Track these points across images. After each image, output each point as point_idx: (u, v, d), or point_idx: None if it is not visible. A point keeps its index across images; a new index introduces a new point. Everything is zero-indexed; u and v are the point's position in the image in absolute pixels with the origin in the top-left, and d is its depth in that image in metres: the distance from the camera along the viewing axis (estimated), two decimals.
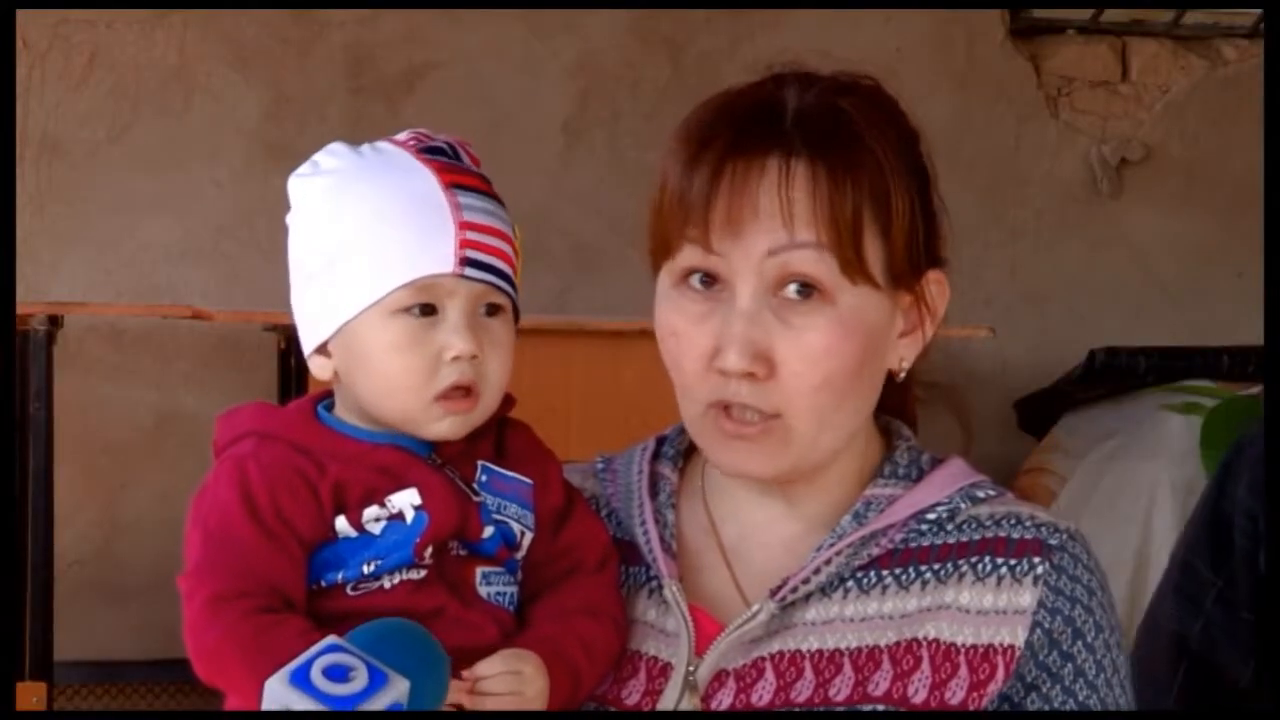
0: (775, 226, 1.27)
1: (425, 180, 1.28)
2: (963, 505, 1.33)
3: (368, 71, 4.07)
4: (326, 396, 1.33)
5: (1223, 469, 1.72)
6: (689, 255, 1.29)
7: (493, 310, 1.29)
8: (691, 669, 1.29)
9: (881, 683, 1.27)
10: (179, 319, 3.76)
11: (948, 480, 1.34)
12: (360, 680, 1.12)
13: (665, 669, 1.30)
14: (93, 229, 3.98)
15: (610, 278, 4.03)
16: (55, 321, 3.27)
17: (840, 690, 1.27)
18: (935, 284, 1.38)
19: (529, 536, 1.30)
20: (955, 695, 1.26)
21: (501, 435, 1.32)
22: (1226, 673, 1.67)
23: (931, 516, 1.32)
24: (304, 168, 1.33)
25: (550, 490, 1.32)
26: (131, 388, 3.98)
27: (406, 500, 1.25)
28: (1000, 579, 1.29)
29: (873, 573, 1.30)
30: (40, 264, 3.94)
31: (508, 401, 1.33)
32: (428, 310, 1.27)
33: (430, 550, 1.26)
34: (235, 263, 3.98)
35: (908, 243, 1.32)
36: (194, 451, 4.12)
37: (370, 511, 1.25)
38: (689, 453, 1.39)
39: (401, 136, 1.32)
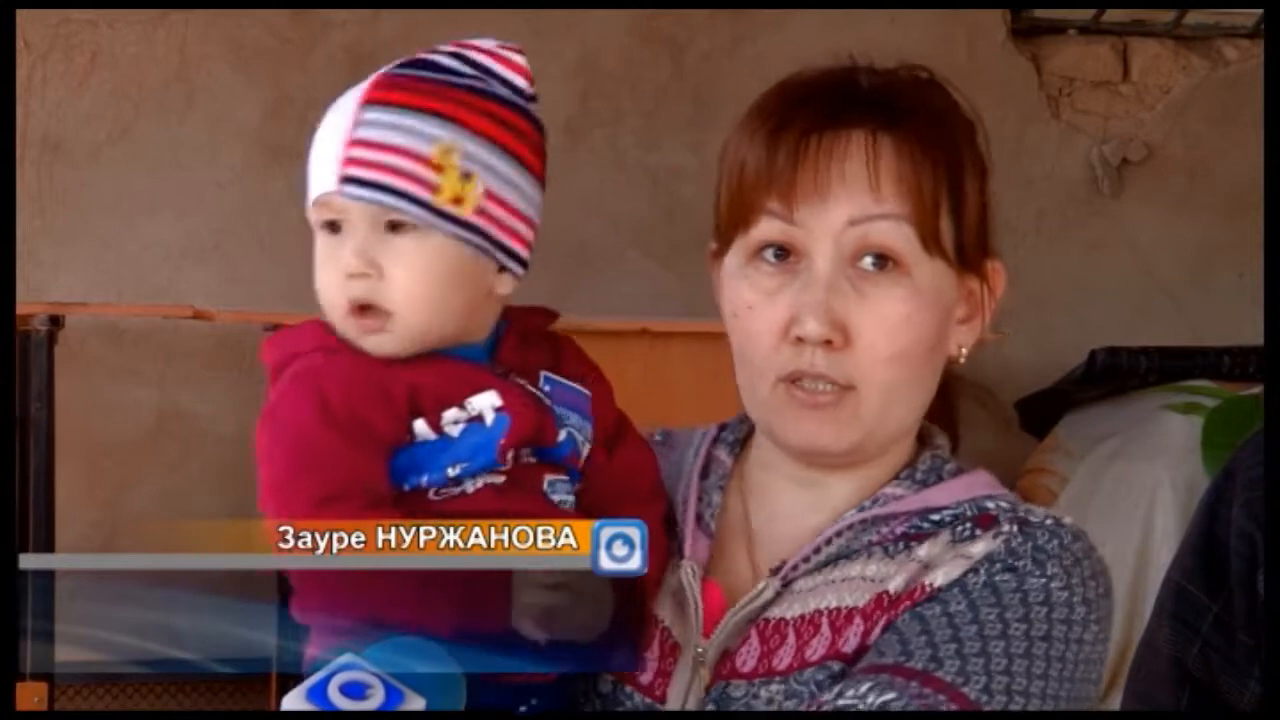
0: (858, 196, 1.28)
1: (351, 97, 1.29)
2: (969, 511, 1.33)
3: (369, 72, 4.06)
4: None
5: (1213, 493, 1.72)
6: (767, 228, 1.30)
7: (395, 227, 1.27)
8: (700, 650, 1.30)
9: (851, 640, 1.27)
10: (180, 319, 3.77)
11: (964, 488, 1.34)
12: (377, 697, 1.14)
13: (675, 648, 1.31)
14: (94, 229, 3.98)
15: (611, 278, 4.03)
16: (56, 321, 3.27)
17: (816, 650, 1.28)
18: (995, 273, 1.40)
19: (588, 448, 1.30)
20: (873, 635, 1.25)
21: (555, 347, 1.33)
22: (1226, 697, 1.67)
23: (935, 517, 1.33)
24: None
25: (605, 404, 1.33)
26: (132, 388, 3.98)
27: (487, 402, 1.25)
28: (971, 537, 1.29)
29: (867, 550, 1.32)
30: (41, 264, 3.94)
31: (550, 315, 1.35)
32: (334, 227, 1.27)
33: (511, 454, 1.25)
34: (236, 263, 3.98)
35: (977, 224, 1.34)
36: (195, 452, 4.13)
37: (450, 414, 1.25)
38: (745, 442, 1.40)
39: (446, 46, 1.36)
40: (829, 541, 1.32)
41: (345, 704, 1.12)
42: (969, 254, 1.34)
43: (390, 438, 1.24)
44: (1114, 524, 3.81)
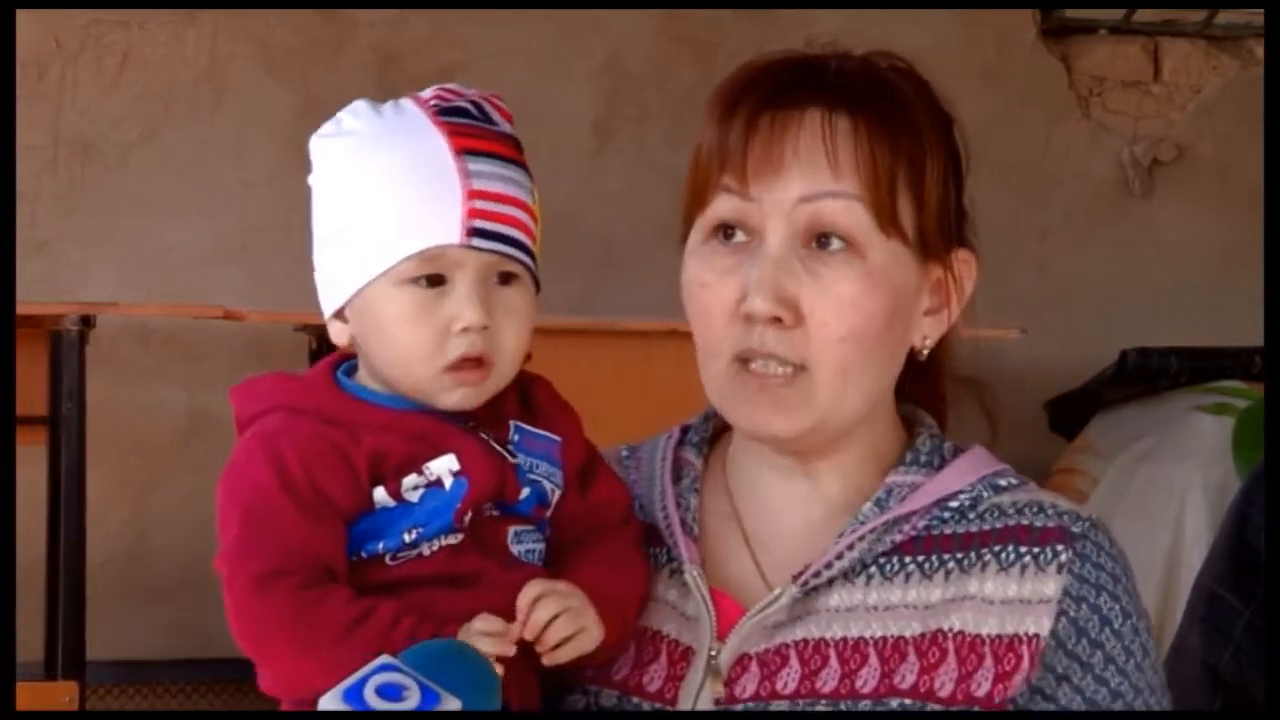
0: (811, 172, 1.28)
1: (436, 145, 1.26)
2: (985, 494, 1.32)
3: (397, 72, 4.08)
4: (343, 360, 1.32)
5: (1244, 496, 1.71)
6: (722, 205, 1.29)
7: (506, 279, 1.27)
8: (714, 653, 1.28)
9: (908, 675, 1.26)
10: (210, 319, 3.77)
11: (970, 468, 1.33)
12: (413, 699, 1.13)
13: (687, 652, 1.29)
14: (124, 229, 3.99)
15: (639, 278, 4.02)
16: (87, 322, 3.28)
17: (867, 682, 1.26)
18: (964, 263, 1.39)
19: (558, 494, 1.29)
20: (981, 687, 1.26)
21: (525, 390, 1.31)
22: (1257, 700, 1.66)
23: (954, 504, 1.31)
24: (327, 126, 1.33)
25: (575, 445, 1.31)
26: (162, 388, 3.99)
27: (445, 466, 1.24)
28: (1024, 567, 1.28)
29: (895, 559, 1.30)
30: (71, 264, 3.96)
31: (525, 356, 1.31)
32: (436, 280, 1.25)
33: (469, 515, 1.25)
34: (265, 263, 3.99)
35: (940, 209, 1.33)
36: (224, 452, 4.13)
37: (409, 480, 1.24)
38: (714, 440, 1.39)
39: (426, 94, 1.31)
40: (851, 547, 1.30)
41: (381, 705, 1.12)
42: (930, 240, 1.33)
43: (349, 508, 1.23)
44: (1144, 526, 3.79)
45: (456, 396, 1.26)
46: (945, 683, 1.26)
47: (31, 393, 3.11)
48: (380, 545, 1.23)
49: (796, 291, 1.27)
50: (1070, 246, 4.53)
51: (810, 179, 1.27)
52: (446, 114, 1.28)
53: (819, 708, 1.26)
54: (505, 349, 1.26)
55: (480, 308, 1.25)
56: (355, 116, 1.31)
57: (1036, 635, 1.27)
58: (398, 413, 1.26)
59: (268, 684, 1.25)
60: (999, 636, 1.27)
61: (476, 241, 1.24)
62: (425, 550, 1.24)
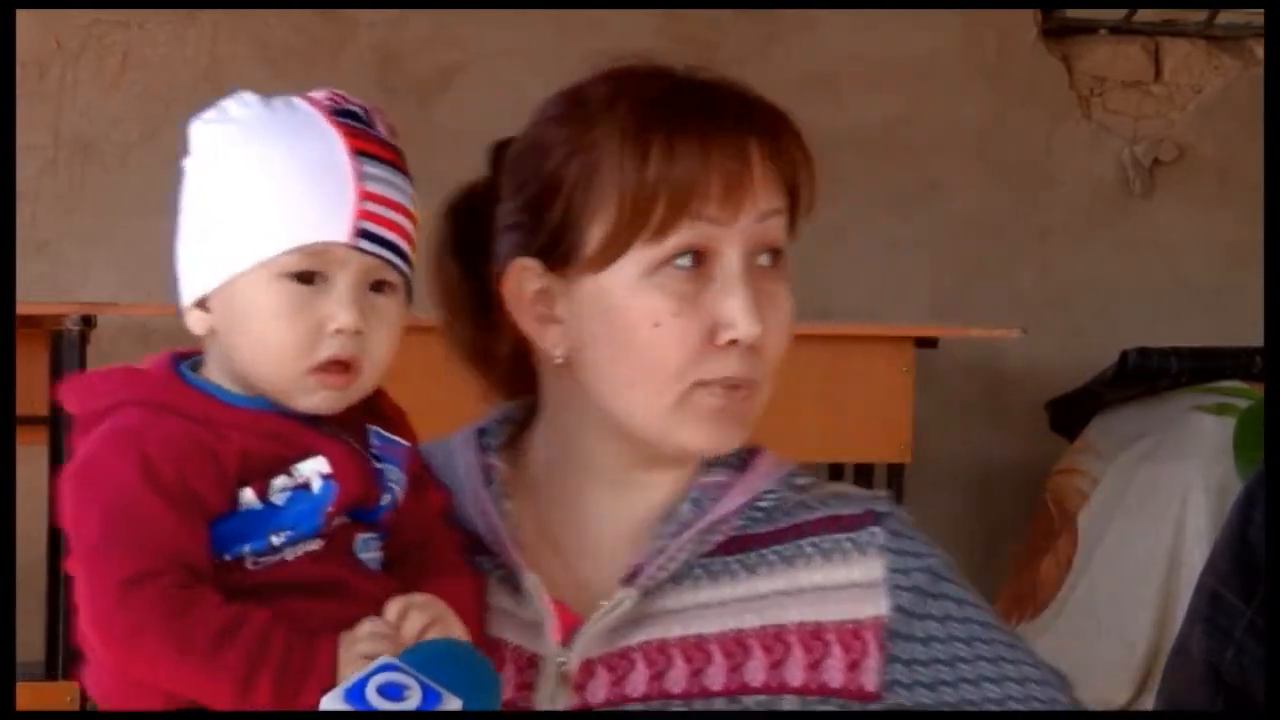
0: (764, 192, 1.29)
1: (331, 143, 1.24)
2: (787, 492, 1.36)
3: (397, 72, 4.08)
4: (185, 356, 1.28)
5: (1246, 496, 1.71)
6: (688, 233, 1.27)
7: (380, 286, 1.23)
8: (562, 660, 1.28)
9: (758, 672, 1.29)
10: None
11: (772, 467, 1.36)
12: (414, 698, 1.12)
13: (533, 660, 1.29)
14: (124, 229, 3.99)
15: None
16: (88, 321, 3.28)
17: (715, 679, 1.29)
18: None
19: (401, 500, 1.26)
20: (834, 677, 1.29)
21: (370, 396, 1.27)
22: (1259, 701, 1.66)
23: (764, 504, 1.34)
24: (210, 113, 1.30)
25: (415, 452, 1.29)
26: None
27: (314, 469, 1.20)
28: (845, 554, 1.33)
29: (718, 561, 1.32)
30: (71, 264, 3.96)
31: None
32: (315, 278, 1.21)
33: (335, 520, 1.22)
34: None
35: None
36: None
37: (279, 482, 1.19)
38: (508, 445, 1.37)
39: (317, 94, 1.29)
40: (681, 549, 1.31)
41: (383, 705, 1.11)
42: None
43: (215, 508, 1.18)
44: (1145, 525, 3.80)
45: (317, 399, 1.22)
46: (795, 673, 1.29)
47: (31, 393, 3.09)
48: (246, 548, 1.19)
49: (763, 311, 1.29)
50: (1071, 246, 4.53)
51: (763, 198, 1.29)
52: (340, 115, 1.26)
53: (674, 708, 1.28)
54: (374, 356, 1.23)
55: (356, 311, 1.21)
56: (243, 106, 1.29)
57: (877, 617, 1.31)
58: (255, 412, 1.22)
59: (100, 682, 1.20)
60: (841, 623, 1.31)
61: (363, 243, 1.21)
62: (288, 555, 1.20)
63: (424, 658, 1.15)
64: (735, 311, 1.27)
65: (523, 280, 1.30)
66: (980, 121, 4.46)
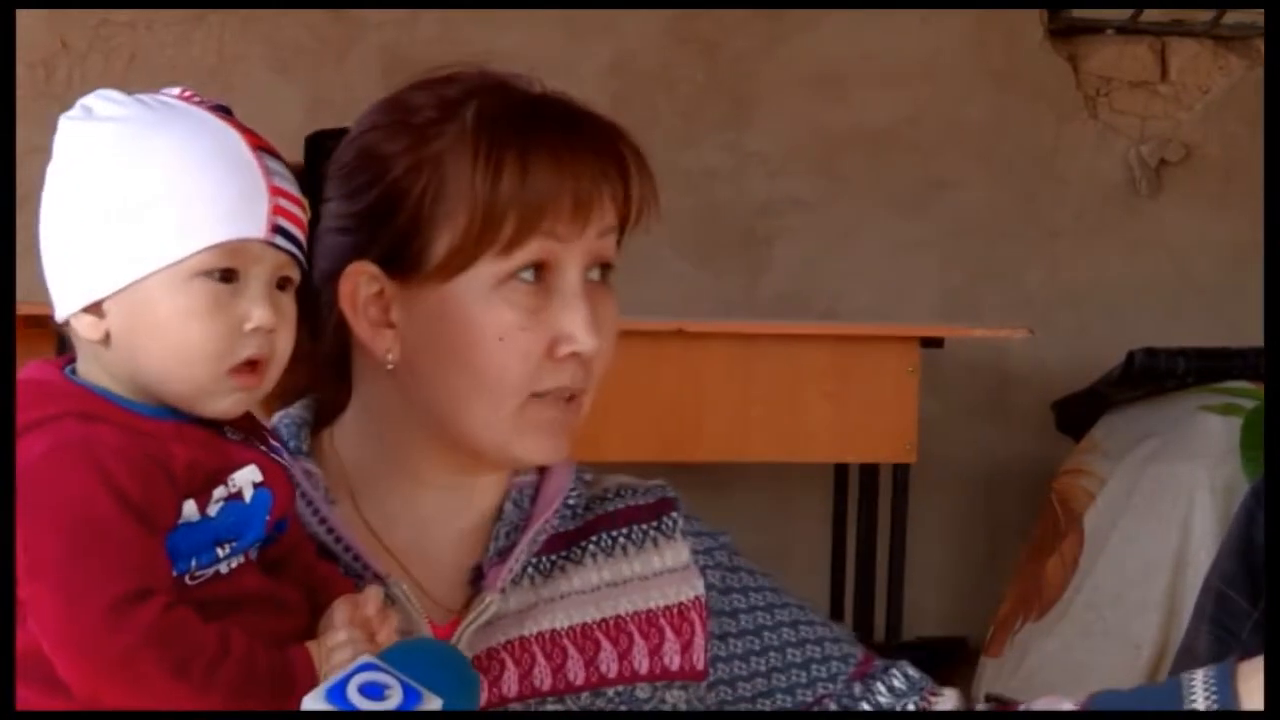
0: (604, 211, 1.32)
1: (233, 139, 1.20)
2: (582, 488, 1.41)
3: (406, 73, 4.08)
4: (60, 364, 1.23)
5: (1252, 496, 1.71)
6: (533, 249, 1.29)
7: (284, 283, 1.21)
8: None
9: (611, 664, 1.35)
10: None
11: (563, 465, 1.40)
12: (395, 697, 1.13)
13: None
14: None
15: (645, 278, 4.03)
16: None
17: (577, 674, 1.34)
18: None
19: None
20: (672, 660, 1.37)
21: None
22: None
23: (571, 502, 1.39)
24: (76, 111, 1.25)
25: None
26: None
27: (247, 478, 1.18)
28: (655, 541, 1.40)
29: (544, 559, 1.37)
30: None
31: None
32: (229, 276, 1.17)
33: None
34: None
35: None
36: None
37: (218, 492, 1.16)
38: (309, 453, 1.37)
39: (174, 91, 1.25)
40: (523, 550, 1.35)
41: (364, 704, 1.12)
42: None
43: (170, 523, 1.14)
44: (1152, 526, 3.79)
45: (229, 402, 1.18)
46: (642, 661, 1.36)
47: None
48: (193, 562, 1.16)
49: (598, 325, 1.32)
50: (1077, 247, 4.53)
51: (604, 216, 1.32)
52: (220, 112, 1.23)
53: (547, 707, 1.32)
54: (279, 355, 1.20)
55: (271, 308, 1.18)
56: (114, 103, 1.23)
57: (696, 597, 1.39)
58: (177, 423, 1.18)
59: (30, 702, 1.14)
60: (668, 608, 1.38)
61: (278, 239, 1.19)
62: (223, 569, 1.17)
63: (403, 657, 1.16)
64: (576, 326, 1.30)
65: (360, 283, 1.30)
66: (987, 121, 4.46)
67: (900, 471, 3.71)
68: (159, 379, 1.18)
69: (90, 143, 1.23)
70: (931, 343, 3.74)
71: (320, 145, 1.36)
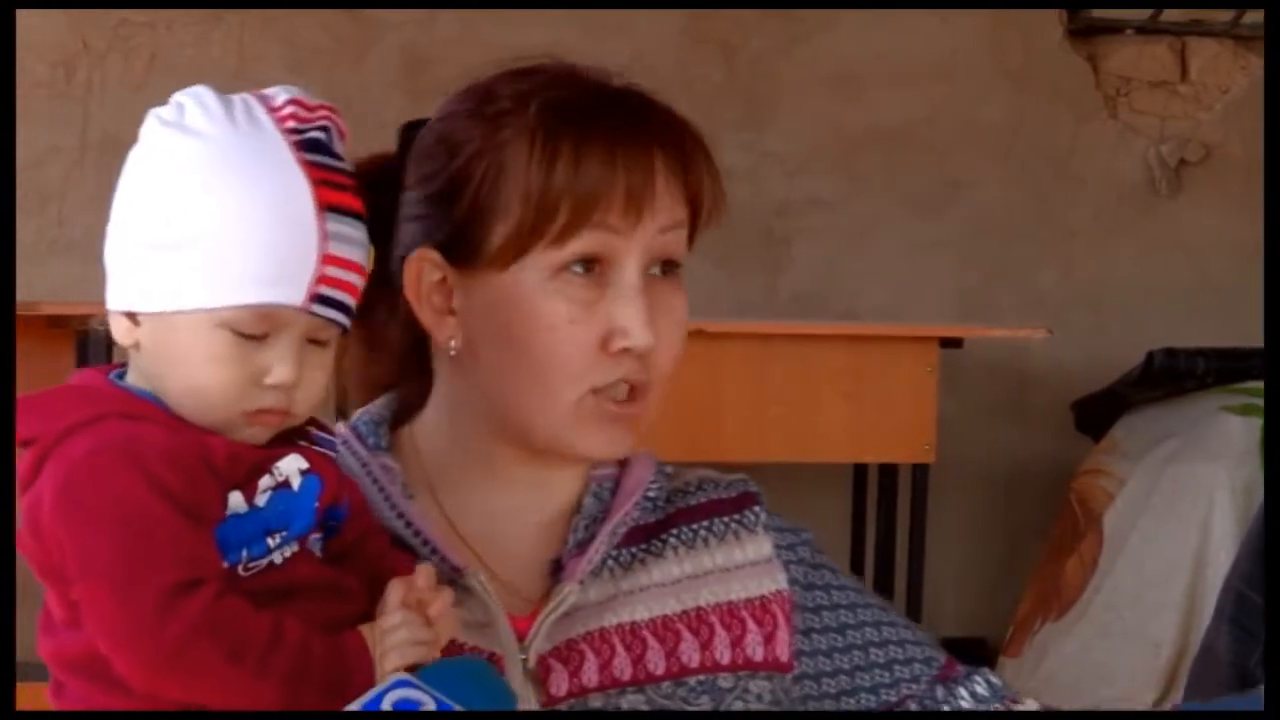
0: (669, 205, 1.30)
1: (299, 194, 1.18)
2: (664, 480, 1.40)
3: (424, 73, 4.09)
4: (110, 369, 1.24)
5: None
6: (590, 241, 1.28)
7: (321, 340, 1.21)
8: (524, 658, 1.30)
9: (693, 654, 1.34)
10: None
11: (645, 458, 1.40)
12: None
13: (493, 659, 1.29)
14: None
15: None
16: None
17: (657, 664, 1.33)
18: None
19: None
20: (755, 651, 1.36)
21: None
22: None
23: (652, 494, 1.38)
24: (170, 110, 1.25)
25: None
26: None
27: (294, 465, 1.18)
28: (737, 534, 1.40)
29: (624, 552, 1.36)
30: (98, 265, 3.97)
31: None
32: (260, 336, 1.17)
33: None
34: None
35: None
36: None
37: (264, 482, 1.17)
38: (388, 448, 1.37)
39: (278, 101, 1.24)
40: (603, 542, 1.35)
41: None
42: None
43: (217, 515, 1.15)
44: (1171, 526, 3.78)
45: (249, 434, 1.19)
46: (724, 652, 1.35)
47: None
48: (244, 553, 1.16)
49: (657, 321, 1.31)
50: (1096, 247, 4.52)
51: (668, 211, 1.30)
52: (308, 149, 1.21)
53: (627, 697, 1.31)
54: (305, 402, 1.20)
55: (296, 367, 1.18)
56: (206, 116, 1.22)
57: (779, 590, 1.39)
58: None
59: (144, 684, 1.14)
60: (749, 600, 1.38)
61: (316, 307, 1.18)
62: (277, 558, 1.17)
63: (439, 675, 1.15)
64: (630, 320, 1.29)
65: (424, 271, 1.31)
66: (1005, 121, 4.45)
67: (919, 472, 3.71)
68: (177, 404, 1.19)
69: (165, 151, 1.24)
70: (950, 343, 3.74)
71: (411, 133, 1.37)
